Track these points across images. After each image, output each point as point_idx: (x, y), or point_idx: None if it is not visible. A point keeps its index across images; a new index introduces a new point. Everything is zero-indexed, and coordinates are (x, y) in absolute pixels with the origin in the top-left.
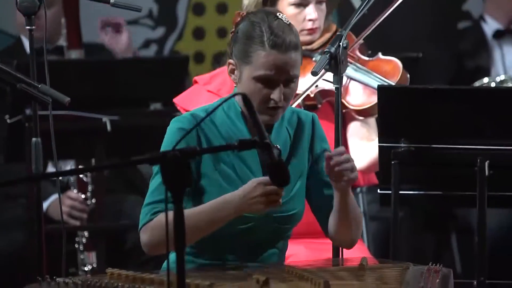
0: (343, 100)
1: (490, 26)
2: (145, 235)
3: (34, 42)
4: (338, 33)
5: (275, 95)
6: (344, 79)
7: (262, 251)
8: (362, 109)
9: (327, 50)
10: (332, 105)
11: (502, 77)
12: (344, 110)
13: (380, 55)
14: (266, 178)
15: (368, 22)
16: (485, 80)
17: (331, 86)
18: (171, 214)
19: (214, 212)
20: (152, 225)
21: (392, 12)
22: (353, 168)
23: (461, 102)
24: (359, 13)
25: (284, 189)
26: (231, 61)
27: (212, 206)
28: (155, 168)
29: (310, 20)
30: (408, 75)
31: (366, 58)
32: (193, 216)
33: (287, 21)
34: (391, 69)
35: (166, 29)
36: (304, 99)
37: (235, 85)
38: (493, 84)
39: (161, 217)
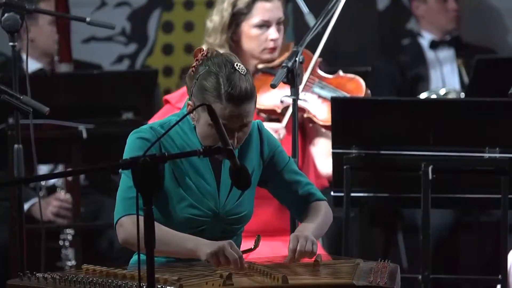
0: (310, 116)
1: (426, 38)
2: (120, 232)
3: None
4: (294, 49)
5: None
6: (313, 96)
7: None
8: (329, 124)
9: (285, 64)
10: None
11: (444, 90)
12: (311, 125)
13: (340, 72)
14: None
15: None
16: (429, 93)
17: (299, 103)
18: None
19: (182, 240)
20: (125, 223)
21: (344, 31)
22: (310, 252)
23: (407, 113)
24: (314, 30)
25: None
26: (190, 102)
27: (185, 236)
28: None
29: (271, 40)
30: (369, 91)
31: (328, 76)
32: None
33: (244, 71)
34: (355, 87)
35: (138, 45)
36: (269, 113)
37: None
38: (435, 96)
39: (133, 218)
